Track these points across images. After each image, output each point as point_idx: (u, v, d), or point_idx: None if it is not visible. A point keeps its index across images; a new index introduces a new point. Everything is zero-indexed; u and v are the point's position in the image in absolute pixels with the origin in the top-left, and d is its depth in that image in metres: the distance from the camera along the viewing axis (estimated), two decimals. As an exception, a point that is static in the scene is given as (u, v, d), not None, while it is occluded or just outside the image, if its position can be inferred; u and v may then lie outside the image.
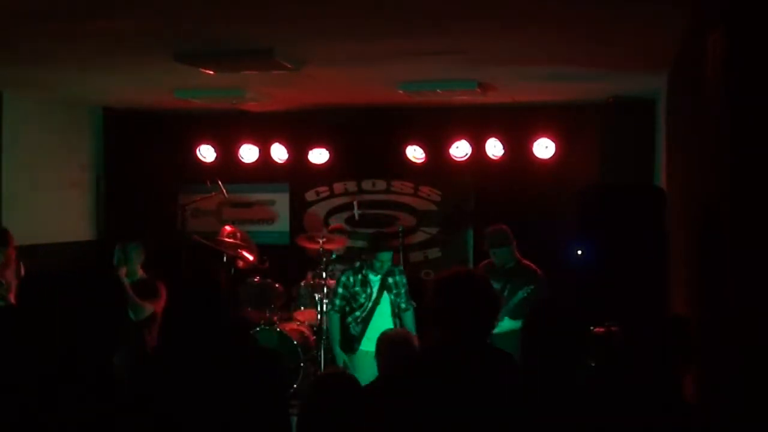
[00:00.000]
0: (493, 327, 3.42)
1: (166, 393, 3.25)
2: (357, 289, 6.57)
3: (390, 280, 6.60)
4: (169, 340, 3.57)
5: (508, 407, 3.12)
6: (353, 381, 3.54)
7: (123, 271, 6.26)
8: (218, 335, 3.45)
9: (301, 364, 7.44)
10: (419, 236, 9.24)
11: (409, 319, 6.62)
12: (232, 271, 8.10)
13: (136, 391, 3.21)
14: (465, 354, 3.24)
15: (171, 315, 3.67)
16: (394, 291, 6.60)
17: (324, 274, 7.52)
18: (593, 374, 4.78)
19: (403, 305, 6.63)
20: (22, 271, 6.64)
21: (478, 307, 3.28)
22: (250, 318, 7.60)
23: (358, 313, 6.59)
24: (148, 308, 6.19)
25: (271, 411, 3.40)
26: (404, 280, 6.68)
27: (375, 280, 6.58)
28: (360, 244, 9.09)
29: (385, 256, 6.51)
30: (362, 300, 6.56)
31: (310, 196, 9.62)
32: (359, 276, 6.58)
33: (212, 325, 3.45)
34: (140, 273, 6.42)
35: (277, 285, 7.95)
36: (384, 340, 4.63)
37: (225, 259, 8.00)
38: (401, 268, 6.83)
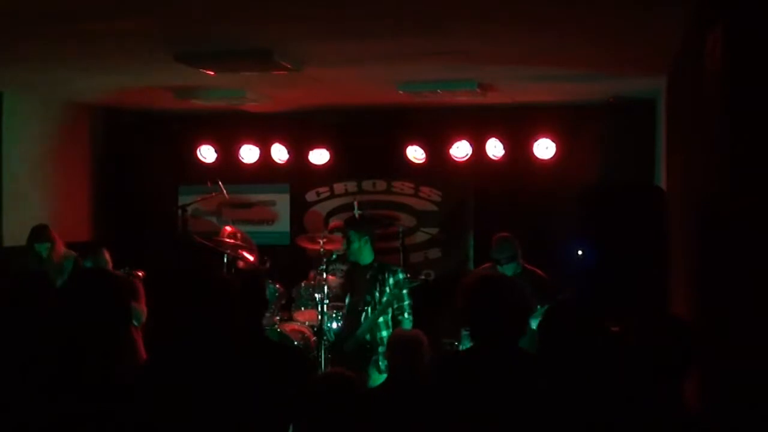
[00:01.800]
0: (524, 331, 3.41)
1: (174, 394, 3.26)
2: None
3: (379, 276, 6.17)
4: (179, 340, 3.59)
5: (534, 410, 3.13)
6: (354, 381, 3.53)
7: None
8: (231, 334, 3.48)
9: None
10: (419, 237, 9.23)
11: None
12: (233, 271, 8.10)
13: (145, 392, 3.21)
14: (493, 357, 3.26)
15: (181, 314, 3.68)
16: (378, 289, 6.13)
17: (324, 275, 7.52)
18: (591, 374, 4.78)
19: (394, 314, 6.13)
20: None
21: (505, 311, 3.29)
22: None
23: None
24: (142, 309, 6.32)
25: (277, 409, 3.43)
26: (399, 279, 6.14)
27: (362, 275, 6.31)
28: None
29: (351, 236, 6.23)
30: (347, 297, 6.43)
31: (310, 196, 9.62)
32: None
33: (225, 324, 3.47)
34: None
35: (277, 285, 7.95)
36: (395, 339, 4.61)
37: (226, 259, 8.00)
38: (397, 269, 6.32)
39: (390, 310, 6.14)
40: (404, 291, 6.14)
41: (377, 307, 6.09)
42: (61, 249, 6.85)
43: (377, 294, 6.12)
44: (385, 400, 3.94)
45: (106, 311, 3.00)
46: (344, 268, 7.78)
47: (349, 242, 6.29)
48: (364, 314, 6.18)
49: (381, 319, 6.12)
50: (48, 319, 3.11)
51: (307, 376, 3.57)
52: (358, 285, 6.31)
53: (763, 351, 2.97)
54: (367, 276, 6.22)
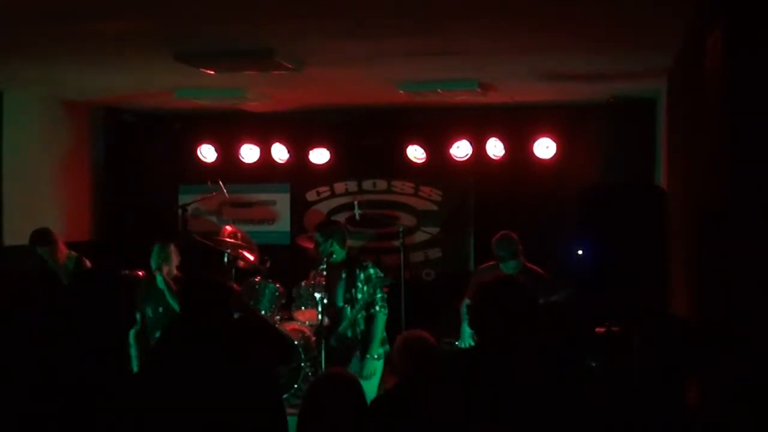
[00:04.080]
0: (534, 332, 3.42)
1: (169, 393, 3.27)
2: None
3: (352, 273, 6.30)
4: (180, 339, 3.60)
5: (540, 410, 3.14)
6: (354, 381, 3.53)
7: (165, 270, 6.50)
8: (229, 333, 3.49)
9: (302, 364, 7.44)
10: (420, 236, 9.23)
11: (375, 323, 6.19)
12: (233, 271, 8.10)
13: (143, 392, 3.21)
14: (501, 357, 3.27)
15: (181, 315, 3.69)
16: (353, 286, 6.26)
17: (324, 274, 7.50)
18: (594, 375, 4.79)
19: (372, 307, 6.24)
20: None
21: (514, 313, 3.31)
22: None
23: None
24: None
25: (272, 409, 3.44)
26: (369, 274, 6.27)
27: (336, 273, 6.42)
28: (360, 243, 9.10)
29: (318, 238, 6.41)
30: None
31: (310, 196, 9.62)
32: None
33: (225, 324, 3.48)
34: (175, 273, 6.64)
35: (277, 285, 7.95)
36: (402, 339, 4.58)
37: (226, 259, 8.00)
38: (368, 264, 6.41)
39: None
40: (376, 284, 6.28)
41: (355, 304, 6.25)
42: (64, 250, 6.87)
43: (353, 291, 6.31)
44: (401, 404, 3.91)
45: (111, 311, 3.00)
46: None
47: (317, 243, 6.48)
48: (344, 312, 6.31)
49: (359, 315, 6.30)
50: (51, 317, 3.12)
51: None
52: (332, 283, 6.47)
53: (764, 351, 2.97)
54: (342, 275, 6.37)
